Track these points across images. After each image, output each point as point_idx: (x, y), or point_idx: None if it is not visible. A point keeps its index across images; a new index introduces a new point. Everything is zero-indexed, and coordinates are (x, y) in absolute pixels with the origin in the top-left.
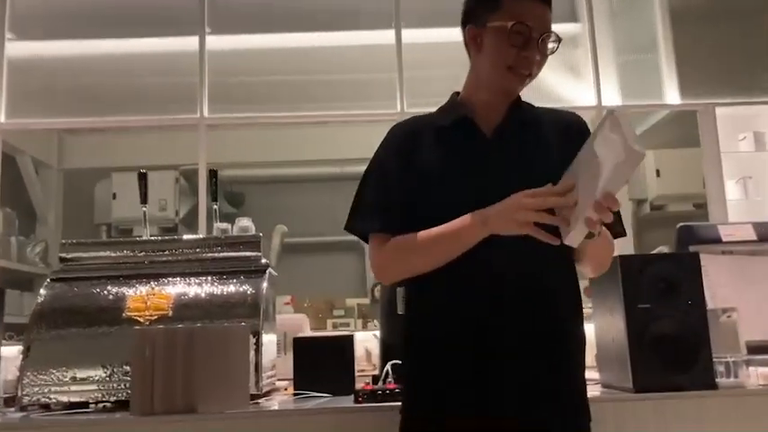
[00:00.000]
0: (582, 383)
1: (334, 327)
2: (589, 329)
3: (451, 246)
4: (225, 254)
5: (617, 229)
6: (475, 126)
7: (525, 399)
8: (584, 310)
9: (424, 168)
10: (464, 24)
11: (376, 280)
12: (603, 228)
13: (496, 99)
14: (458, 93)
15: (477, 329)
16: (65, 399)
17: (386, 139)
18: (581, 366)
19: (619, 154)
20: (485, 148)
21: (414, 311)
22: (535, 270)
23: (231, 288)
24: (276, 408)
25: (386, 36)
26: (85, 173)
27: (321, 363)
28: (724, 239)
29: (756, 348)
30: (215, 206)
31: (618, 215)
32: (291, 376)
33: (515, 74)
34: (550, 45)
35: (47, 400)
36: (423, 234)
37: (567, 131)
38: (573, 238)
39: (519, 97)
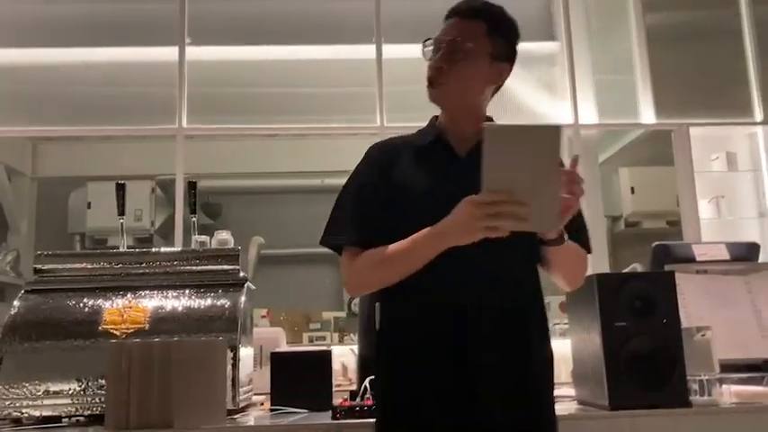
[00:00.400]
0: (551, 394)
1: (311, 340)
2: (565, 345)
3: (410, 260)
4: (203, 267)
5: (586, 244)
6: (449, 146)
7: (496, 410)
8: (559, 326)
9: (399, 185)
10: None
11: (346, 292)
12: (572, 242)
13: (463, 121)
14: (437, 116)
15: (442, 344)
16: (37, 413)
17: (364, 156)
18: (550, 379)
19: (531, 144)
20: (457, 167)
21: (383, 327)
22: (500, 285)
23: (209, 302)
24: (253, 424)
25: (367, 51)
26: (60, 181)
27: (298, 378)
28: (698, 259)
29: (729, 367)
30: (193, 218)
31: (585, 231)
32: (267, 390)
33: (428, 85)
34: (455, 51)
35: (18, 414)
36: (387, 248)
37: None
38: (540, 226)
39: (492, 120)
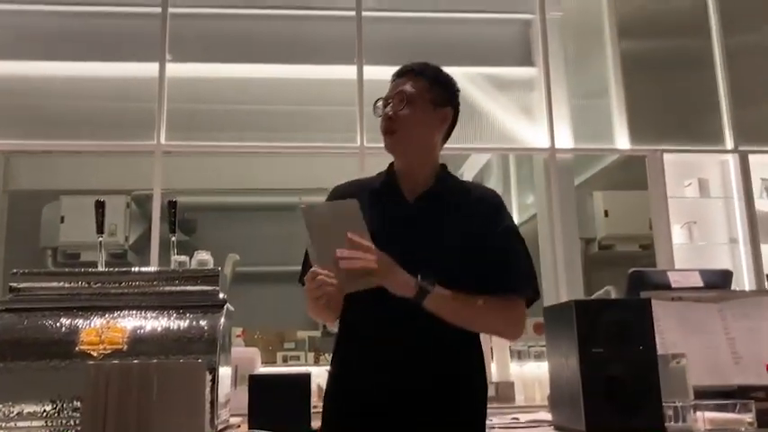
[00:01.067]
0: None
1: (285, 360)
2: (539, 368)
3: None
4: (182, 287)
5: (509, 289)
6: (399, 191)
7: None
8: (534, 348)
9: None
10: None
11: None
12: (478, 297)
13: (417, 167)
14: (393, 162)
15: (373, 383)
16: None
17: (327, 199)
18: (482, 408)
19: (337, 218)
20: (405, 212)
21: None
22: (428, 325)
23: (188, 323)
24: None
25: (348, 71)
26: (32, 195)
27: (277, 401)
28: (673, 285)
29: (703, 393)
30: (173, 238)
31: (513, 274)
32: (243, 411)
33: (384, 135)
34: (400, 102)
35: None
36: None
37: (480, 205)
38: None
39: (446, 169)
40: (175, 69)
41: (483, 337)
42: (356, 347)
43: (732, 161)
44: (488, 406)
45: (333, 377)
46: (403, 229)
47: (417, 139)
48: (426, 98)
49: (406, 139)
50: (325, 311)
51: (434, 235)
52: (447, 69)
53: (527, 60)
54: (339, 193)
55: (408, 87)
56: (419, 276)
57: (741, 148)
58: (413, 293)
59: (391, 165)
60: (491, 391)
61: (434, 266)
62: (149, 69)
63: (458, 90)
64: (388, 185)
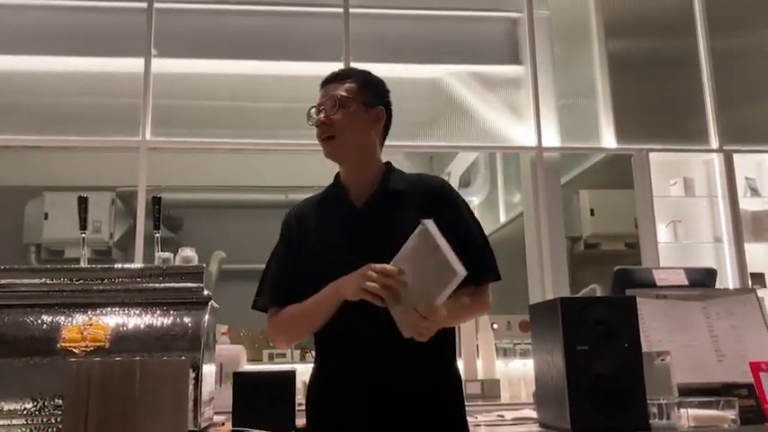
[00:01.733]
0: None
1: (271, 358)
2: (525, 365)
3: (314, 314)
4: (166, 284)
5: (481, 278)
6: (347, 199)
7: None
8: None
9: (309, 245)
10: None
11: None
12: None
13: (360, 169)
14: (339, 173)
15: (350, 390)
16: None
17: (281, 227)
18: (459, 405)
19: (439, 265)
20: (355, 219)
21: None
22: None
23: (171, 320)
24: None
25: (335, 68)
26: (16, 191)
27: (262, 398)
28: (658, 283)
29: (687, 391)
30: (157, 234)
31: (481, 260)
32: (228, 409)
33: (320, 141)
34: (332, 106)
35: None
36: (295, 306)
37: (430, 196)
38: (399, 320)
39: (390, 167)
40: (161, 65)
41: (470, 336)
42: (334, 346)
43: (717, 160)
44: (474, 403)
45: (313, 373)
46: (355, 235)
47: (355, 141)
48: (358, 100)
49: (343, 142)
50: (316, 322)
51: (388, 236)
52: (435, 67)
53: (514, 59)
54: (292, 213)
55: (339, 91)
56: None
57: (726, 148)
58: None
59: (338, 174)
60: (477, 389)
61: None
62: (134, 65)
63: (388, 90)
64: (335, 194)
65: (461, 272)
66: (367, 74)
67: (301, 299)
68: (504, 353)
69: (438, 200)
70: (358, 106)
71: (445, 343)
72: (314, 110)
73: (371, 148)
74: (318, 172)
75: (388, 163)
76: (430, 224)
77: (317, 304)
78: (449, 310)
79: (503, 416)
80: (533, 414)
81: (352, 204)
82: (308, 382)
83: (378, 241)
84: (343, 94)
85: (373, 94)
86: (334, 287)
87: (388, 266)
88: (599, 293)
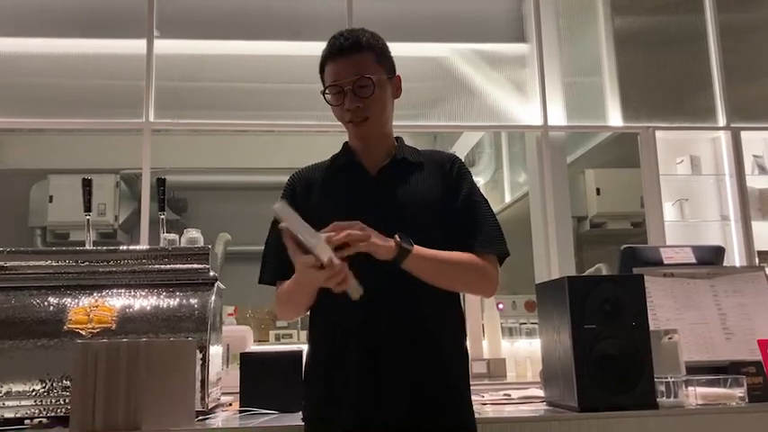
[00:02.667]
0: (466, 392)
1: (277, 338)
2: (531, 344)
3: (299, 290)
4: (172, 266)
5: (481, 249)
6: (361, 167)
7: (411, 409)
8: (525, 325)
9: (317, 211)
10: None
11: None
12: (438, 251)
13: (376, 142)
14: (347, 142)
15: (356, 350)
16: None
17: (284, 189)
18: (464, 376)
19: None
20: (370, 186)
21: (310, 335)
22: (408, 292)
23: (178, 301)
24: (222, 425)
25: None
26: (21, 174)
27: (268, 379)
28: (665, 262)
29: (695, 369)
30: (162, 216)
31: (488, 235)
32: (235, 389)
33: (351, 124)
34: (364, 87)
35: None
36: (290, 281)
37: (442, 170)
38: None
39: (402, 141)
40: (163, 46)
41: (475, 314)
42: (333, 320)
43: (724, 138)
44: (480, 382)
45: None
46: (370, 201)
47: (384, 116)
48: (382, 75)
49: (376, 124)
50: (310, 298)
51: (402, 203)
52: (439, 45)
53: (519, 37)
54: (298, 178)
55: (362, 69)
56: (397, 237)
57: (733, 125)
58: (393, 254)
59: (346, 143)
60: (483, 368)
61: (407, 233)
62: (137, 46)
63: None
64: (347, 163)
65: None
66: (372, 38)
67: None
68: (510, 332)
69: (452, 172)
70: (384, 81)
71: (450, 318)
72: (331, 90)
73: (389, 120)
74: (323, 152)
75: (400, 137)
76: (278, 207)
77: (296, 283)
78: (433, 254)
79: (509, 395)
80: (540, 393)
81: (368, 173)
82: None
83: (394, 209)
84: (372, 73)
85: (389, 61)
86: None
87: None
88: (605, 272)
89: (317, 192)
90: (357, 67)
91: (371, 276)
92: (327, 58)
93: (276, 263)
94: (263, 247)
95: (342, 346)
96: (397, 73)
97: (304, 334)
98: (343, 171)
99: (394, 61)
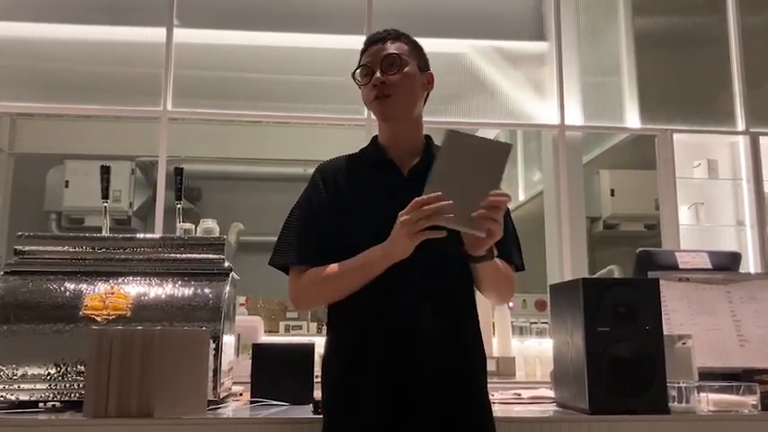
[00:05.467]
0: (486, 401)
1: (287, 329)
2: (541, 344)
3: (356, 278)
4: (187, 255)
5: (515, 262)
6: (394, 165)
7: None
8: (536, 325)
9: (345, 205)
10: None
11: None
12: (499, 260)
13: (405, 136)
14: (376, 136)
15: (385, 363)
16: (13, 397)
17: (312, 178)
18: (483, 386)
19: (482, 155)
20: (402, 187)
21: (330, 343)
22: (436, 300)
23: (192, 290)
24: (234, 416)
25: (357, 41)
26: (37, 158)
27: (280, 370)
28: (681, 266)
29: (708, 375)
30: (179, 205)
31: (517, 248)
32: (245, 379)
33: (376, 101)
34: (391, 64)
35: None
36: (335, 266)
37: None
38: (465, 235)
39: (432, 140)
40: (183, 35)
41: (485, 312)
42: (360, 317)
43: (742, 143)
44: (489, 381)
45: (333, 347)
46: (400, 200)
47: (411, 101)
48: (414, 61)
49: (399, 102)
50: (357, 285)
51: None
52: (458, 42)
53: (539, 35)
54: (327, 169)
55: (395, 50)
56: None
57: (752, 130)
58: (484, 252)
59: (375, 138)
60: (492, 366)
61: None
62: (157, 34)
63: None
64: (377, 158)
65: (508, 141)
66: (411, 37)
67: (329, 260)
68: (520, 331)
69: None
70: (414, 67)
71: (467, 323)
72: (361, 71)
73: (419, 116)
74: (338, 145)
75: (429, 136)
76: (453, 131)
77: (360, 267)
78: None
79: (519, 394)
80: (550, 393)
81: (399, 170)
82: (324, 356)
83: None
84: (402, 54)
85: (422, 57)
86: (381, 251)
87: (418, 199)
88: (617, 274)
89: (346, 186)
90: (383, 51)
91: (405, 286)
92: (364, 48)
93: (303, 246)
94: (275, 238)
95: (364, 356)
96: (431, 72)
97: (314, 326)
98: (374, 167)
99: (428, 61)
